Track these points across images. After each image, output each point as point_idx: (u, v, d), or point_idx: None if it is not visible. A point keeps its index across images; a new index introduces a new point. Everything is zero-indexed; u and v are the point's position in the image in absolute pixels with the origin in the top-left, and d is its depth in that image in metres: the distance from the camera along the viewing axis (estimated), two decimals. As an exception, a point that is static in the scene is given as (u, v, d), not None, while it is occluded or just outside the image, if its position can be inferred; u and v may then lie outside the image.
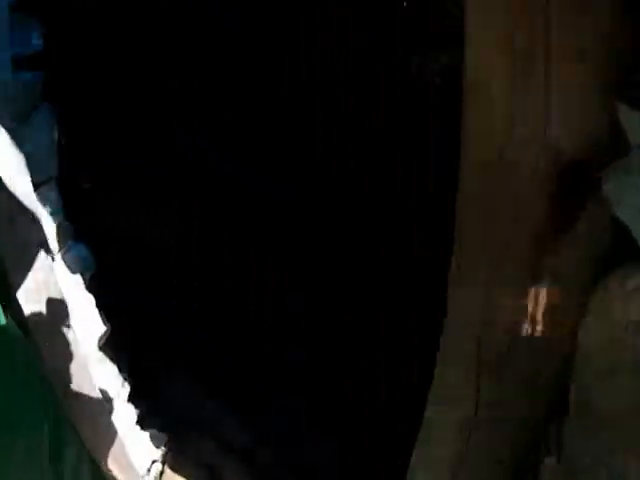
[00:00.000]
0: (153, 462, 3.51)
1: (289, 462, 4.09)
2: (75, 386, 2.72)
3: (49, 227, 2.29)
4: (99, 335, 2.74)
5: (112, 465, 3.04)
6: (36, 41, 2.09)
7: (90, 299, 2.61)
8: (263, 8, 6.89)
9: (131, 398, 3.24)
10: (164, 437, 3.54)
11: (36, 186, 2.21)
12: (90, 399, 2.80)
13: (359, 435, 4.43)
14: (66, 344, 2.60)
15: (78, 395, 2.73)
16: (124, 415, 3.14)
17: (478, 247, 0.92)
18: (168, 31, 6.50)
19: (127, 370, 3.21)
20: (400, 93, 7.33)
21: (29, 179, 2.16)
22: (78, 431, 2.79)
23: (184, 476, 3.53)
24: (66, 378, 2.69)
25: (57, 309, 2.49)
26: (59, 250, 2.38)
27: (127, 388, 3.17)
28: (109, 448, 3.04)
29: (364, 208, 6.16)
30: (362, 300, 5.40)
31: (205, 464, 3.65)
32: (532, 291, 0.90)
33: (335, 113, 6.96)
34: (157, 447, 3.48)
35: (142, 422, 3.37)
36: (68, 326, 2.55)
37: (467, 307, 1.01)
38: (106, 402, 2.90)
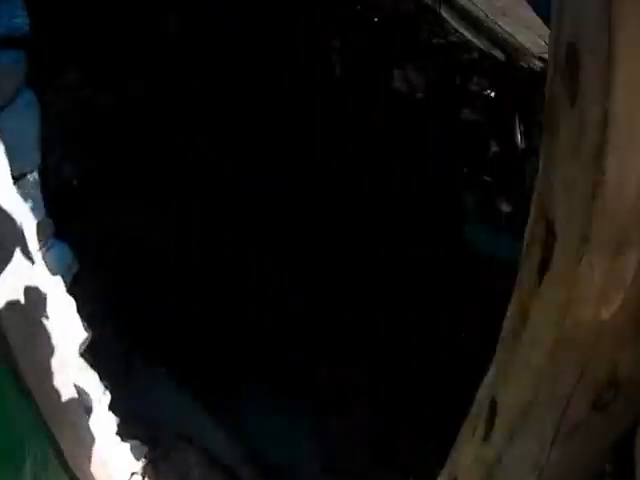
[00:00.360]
0: (132, 474, 3.33)
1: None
2: (54, 390, 2.53)
3: (29, 224, 2.10)
4: (80, 341, 2.56)
5: (91, 476, 2.85)
6: (21, 20, 1.91)
7: (71, 303, 2.42)
8: (264, 10, 6.83)
9: (112, 407, 3.06)
10: (144, 449, 3.35)
11: (16, 179, 2.03)
12: (70, 408, 2.62)
13: (360, 442, 4.27)
14: (43, 346, 2.42)
15: (58, 404, 2.54)
16: (104, 425, 2.95)
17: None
18: (168, 31, 6.39)
19: (108, 377, 3.03)
20: (399, 95, 7.29)
21: (8, 171, 1.98)
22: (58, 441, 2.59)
23: (165, 490, 3.35)
24: (44, 381, 2.49)
25: (35, 309, 2.31)
26: (39, 249, 2.19)
27: (108, 396, 2.99)
28: (89, 459, 2.85)
29: (363, 208, 6.07)
30: (362, 300, 5.28)
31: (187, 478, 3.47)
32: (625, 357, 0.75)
33: (335, 114, 6.91)
34: (137, 459, 3.30)
35: (124, 432, 3.19)
36: (46, 329, 2.36)
37: (556, 380, 0.87)
38: (86, 412, 2.72)
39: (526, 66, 4.92)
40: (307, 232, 5.65)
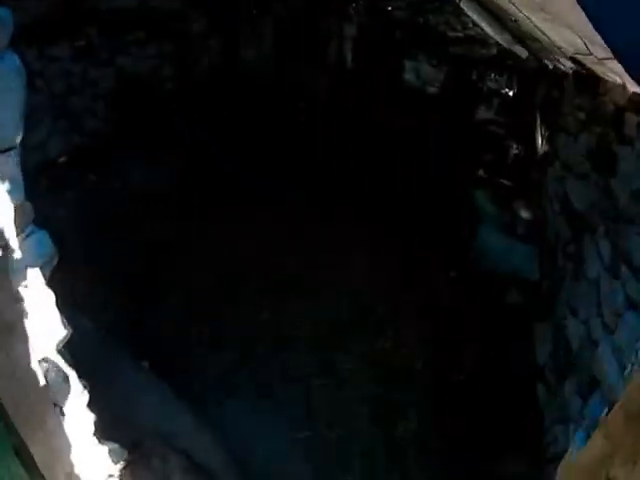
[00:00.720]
0: (109, 476, 3.09)
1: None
2: (26, 391, 2.28)
3: (6, 208, 1.85)
4: (59, 338, 2.31)
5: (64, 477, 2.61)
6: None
7: (50, 296, 2.18)
8: (264, 5, 6.66)
9: (90, 407, 2.82)
10: (123, 452, 3.12)
11: (-7, 156, 1.78)
12: (43, 409, 2.38)
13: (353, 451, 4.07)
14: (19, 343, 2.17)
15: (30, 406, 2.29)
16: (81, 427, 2.71)
17: None
18: (170, 7, 6.19)
19: (87, 376, 2.79)
20: (409, 88, 7.12)
21: (-16, 147, 1.73)
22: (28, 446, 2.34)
23: (143, 496, 3.11)
24: (16, 382, 2.24)
25: (11, 302, 2.06)
26: (16, 236, 1.94)
27: (86, 396, 2.75)
28: (63, 463, 2.60)
29: (363, 208, 5.90)
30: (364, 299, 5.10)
31: (168, 484, 3.23)
32: None
33: (335, 113, 6.74)
34: (115, 463, 3.06)
35: (101, 434, 2.95)
36: (22, 325, 2.12)
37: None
38: (61, 414, 2.48)
39: (552, 66, 4.68)
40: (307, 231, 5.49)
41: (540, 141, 5.16)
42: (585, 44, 2.56)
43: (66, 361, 2.51)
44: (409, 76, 7.56)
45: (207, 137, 5.80)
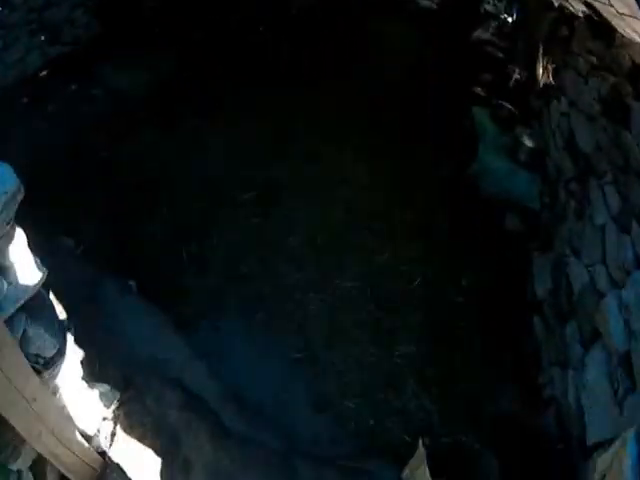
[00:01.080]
0: (104, 419, 2.87)
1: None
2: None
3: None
4: (34, 281, 1.98)
5: (52, 439, 2.35)
6: None
7: (21, 236, 1.84)
8: None
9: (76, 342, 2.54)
10: (116, 394, 2.89)
11: None
12: (22, 360, 2.08)
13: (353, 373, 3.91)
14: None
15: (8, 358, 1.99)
16: (67, 372, 2.44)
17: None
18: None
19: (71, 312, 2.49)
20: (393, 6, 6.64)
21: None
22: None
23: (140, 438, 2.91)
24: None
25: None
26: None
27: (71, 338, 2.46)
28: (48, 424, 2.32)
29: (359, 121, 5.56)
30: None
31: (163, 425, 3.03)
32: None
33: (327, 24, 6.25)
34: (108, 406, 2.83)
35: (90, 376, 2.70)
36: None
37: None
38: (45, 365, 2.19)
39: (557, 4, 4.28)
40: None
41: (541, 72, 4.88)
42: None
43: (46, 303, 2.21)
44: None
45: (189, 45, 5.41)
